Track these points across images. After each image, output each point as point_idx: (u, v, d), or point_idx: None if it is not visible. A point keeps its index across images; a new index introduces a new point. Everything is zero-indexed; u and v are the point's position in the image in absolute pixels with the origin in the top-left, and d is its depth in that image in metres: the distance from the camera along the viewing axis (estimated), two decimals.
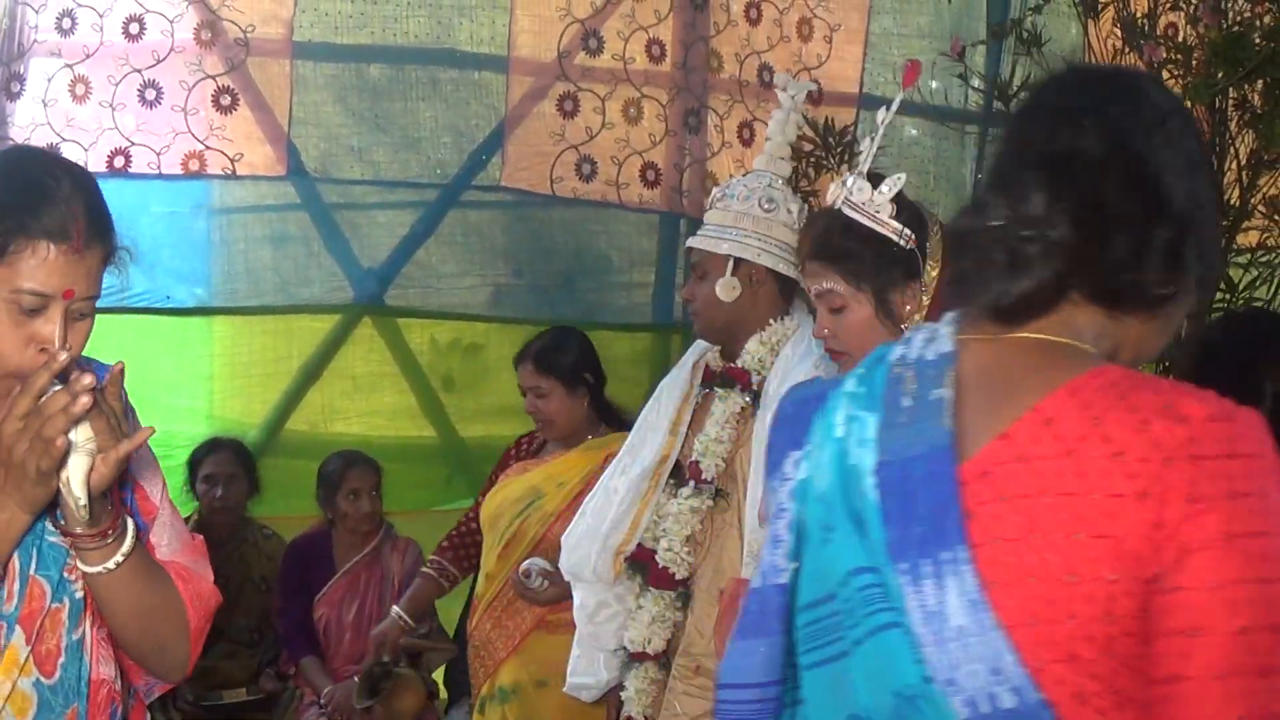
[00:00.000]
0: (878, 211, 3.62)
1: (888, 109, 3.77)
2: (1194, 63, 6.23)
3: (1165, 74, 6.31)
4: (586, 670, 4.98)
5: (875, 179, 3.65)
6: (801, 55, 7.06)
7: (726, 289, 4.54)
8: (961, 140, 7.40)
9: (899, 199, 3.65)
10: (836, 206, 3.68)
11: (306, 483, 6.31)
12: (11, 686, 2.58)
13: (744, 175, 4.75)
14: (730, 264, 4.53)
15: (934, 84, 7.00)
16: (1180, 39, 6.37)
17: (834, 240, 3.66)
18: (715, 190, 4.73)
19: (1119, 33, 6.53)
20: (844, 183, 3.68)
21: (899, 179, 3.65)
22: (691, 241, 4.62)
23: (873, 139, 3.74)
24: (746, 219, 4.56)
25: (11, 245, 2.55)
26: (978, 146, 7.46)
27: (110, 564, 2.60)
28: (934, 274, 3.65)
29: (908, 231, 3.63)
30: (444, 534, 5.98)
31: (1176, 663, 1.77)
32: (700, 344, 4.85)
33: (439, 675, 6.47)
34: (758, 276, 4.56)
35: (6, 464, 2.45)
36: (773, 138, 4.76)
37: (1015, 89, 6.52)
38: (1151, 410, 1.81)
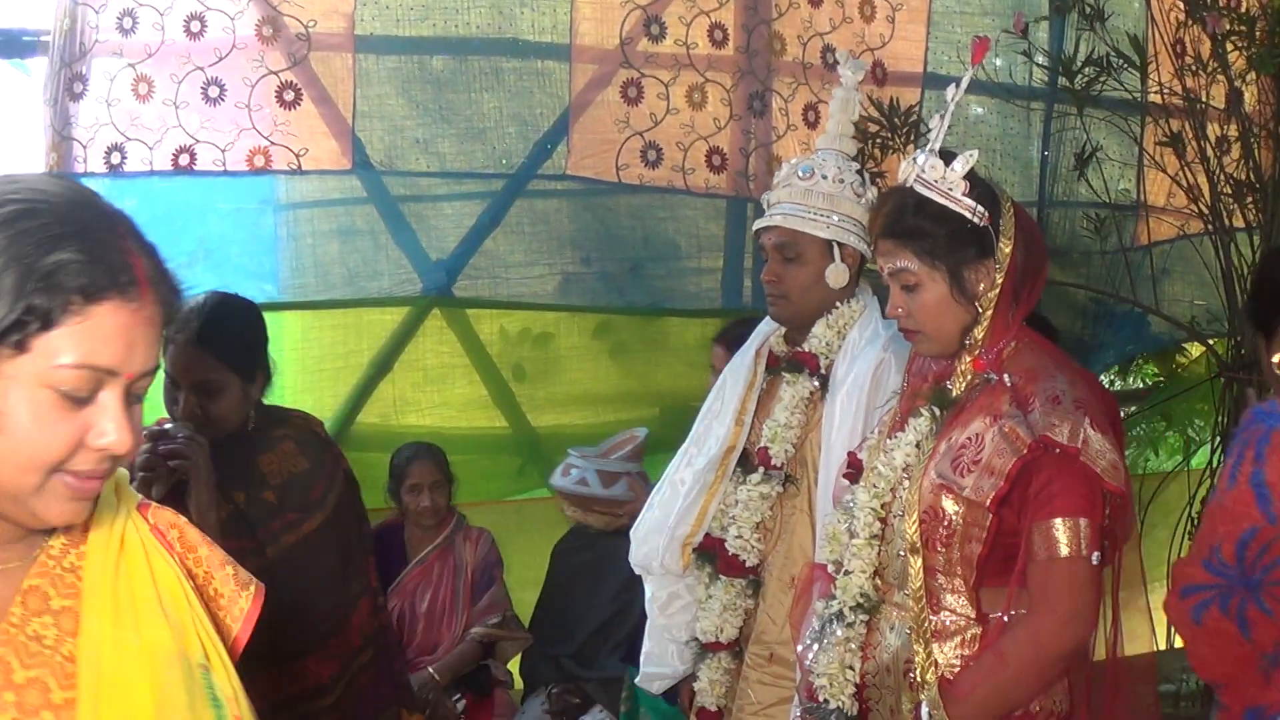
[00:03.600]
0: (951, 189, 3.60)
1: (957, 86, 3.75)
2: (1258, 33, 6.20)
3: (1229, 45, 6.27)
4: (659, 662, 4.98)
5: (947, 156, 3.63)
6: (865, 36, 7.03)
7: (838, 275, 4.51)
8: (1027, 117, 7.36)
9: (971, 176, 3.63)
10: (909, 184, 3.66)
11: (380, 475, 6.31)
12: None
13: (815, 154, 4.70)
14: (835, 249, 4.50)
15: (998, 61, 6.96)
16: (1244, 9, 6.33)
17: (907, 218, 3.64)
18: (787, 167, 4.68)
19: (1182, 4, 6.49)
20: (915, 160, 3.66)
21: (971, 155, 3.62)
22: (783, 222, 4.54)
23: (943, 117, 3.73)
24: (842, 202, 4.52)
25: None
26: (1043, 123, 7.42)
27: None
28: (1008, 251, 3.63)
29: (981, 209, 3.61)
30: (517, 523, 5.97)
31: None
32: (763, 330, 4.82)
33: (514, 665, 6.46)
34: (851, 262, 4.54)
35: None
36: (835, 117, 4.74)
37: (1079, 64, 6.48)
38: None
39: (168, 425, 4.10)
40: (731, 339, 5.42)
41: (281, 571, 4.00)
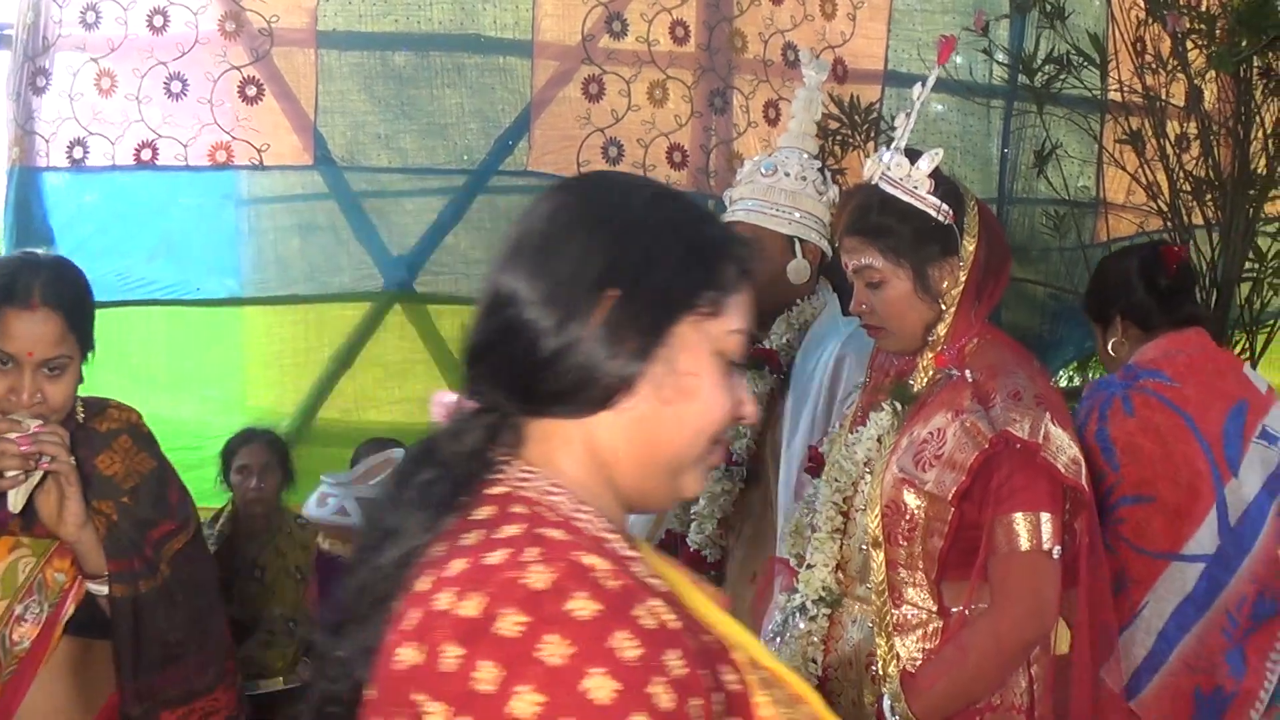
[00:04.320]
0: (916, 187, 3.62)
1: (923, 85, 3.77)
2: (1218, 32, 6.23)
3: (1189, 43, 6.31)
4: None
5: (912, 155, 3.65)
6: (826, 33, 7.04)
7: (798, 270, 4.54)
8: (987, 115, 7.38)
9: (936, 174, 3.65)
10: (874, 182, 3.68)
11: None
12: None
13: (778, 152, 4.72)
14: (797, 245, 4.52)
15: (959, 59, 6.97)
16: (1204, 8, 6.36)
17: (872, 216, 3.67)
18: (750, 164, 4.70)
19: (1141, 3, 6.52)
20: (881, 158, 3.68)
21: (936, 154, 3.65)
22: (745, 217, 4.56)
23: (908, 115, 3.75)
24: (803, 199, 4.55)
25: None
26: (1003, 120, 7.45)
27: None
28: (971, 249, 3.65)
29: (945, 207, 3.63)
30: None
31: None
32: None
33: None
34: (813, 258, 4.56)
35: None
36: (798, 115, 4.76)
37: (1039, 62, 6.51)
38: None
39: (15, 415, 3.43)
40: None
41: (178, 596, 3.67)
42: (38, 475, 3.41)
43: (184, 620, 3.67)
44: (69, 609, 3.56)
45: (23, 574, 3.53)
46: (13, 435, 3.35)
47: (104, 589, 3.53)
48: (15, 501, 3.41)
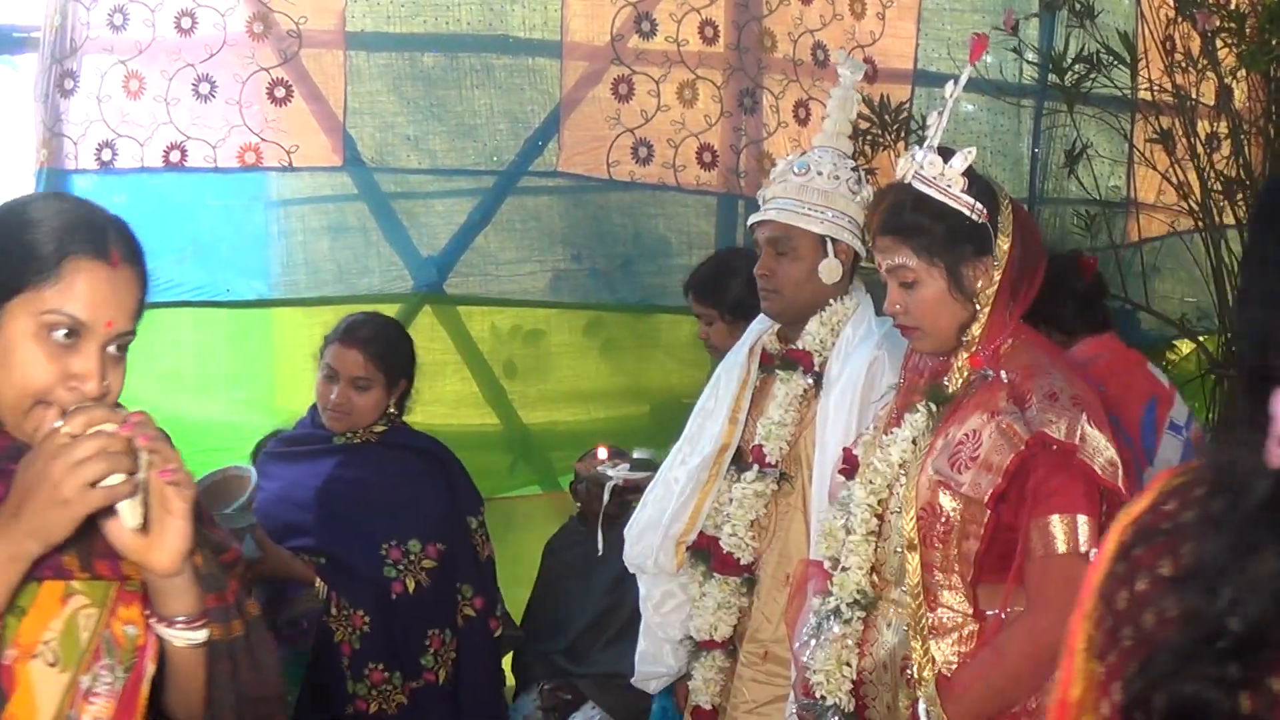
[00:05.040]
0: (949, 185, 3.60)
1: (955, 83, 3.74)
2: (1247, 30, 6.21)
3: (1219, 42, 6.28)
4: (654, 660, 4.98)
5: (945, 153, 3.63)
6: (855, 33, 7.03)
7: (831, 270, 4.53)
8: (1017, 114, 7.37)
9: (970, 173, 3.64)
10: (907, 180, 3.66)
11: None
12: None
13: (812, 151, 4.71)
14: (829, 245, 4.51)
15: (989, 58, 6.96)
16: (1233, 6, 6.34)
17: (905, 214, 3.65)
18: (783, 163, 4.69)
19: (1171, 1, 6.50)
20: (914, 156, 3.66)
21: (969, 153, 3.63)
22: (778, 216, 4.57)
23: (940, 114, 3.73)
24: (837, 198, 4.53)
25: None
26: (1033, 120, 7.43)
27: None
28: (1005, 248, 3.63)
29: (979, 206, 3.61)
30: (508, 520, 5.97)
31: None
32: (756, 327, 4.84)
33: (506, 662, 6.46)
34: (845, 258, 4.55)
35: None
36: (833, 115, 4.75)
37: (1069, 62, 6.49)
38: None
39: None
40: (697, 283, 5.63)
41: (257, 638, 2.78)
42: (153, 481, 2.41)
43: (270, 670, 2.81)
44: (149, 669, 2.52)
45: (86, 632, 2.47)
46: (110, 426, 2.34)
47: (195, 635, 2.53)
48: (133, 515, 2.38)
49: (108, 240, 2.51)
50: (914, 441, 3.74)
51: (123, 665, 2.48)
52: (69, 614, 2.45)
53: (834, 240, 4.52)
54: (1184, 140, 6.55)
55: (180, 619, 2.50)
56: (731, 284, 5.44)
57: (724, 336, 5.49)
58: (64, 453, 2.27)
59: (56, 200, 2.68)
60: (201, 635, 2.53)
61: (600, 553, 5.98)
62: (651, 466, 5.52)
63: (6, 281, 2.44)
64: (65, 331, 2.43)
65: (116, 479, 2.30)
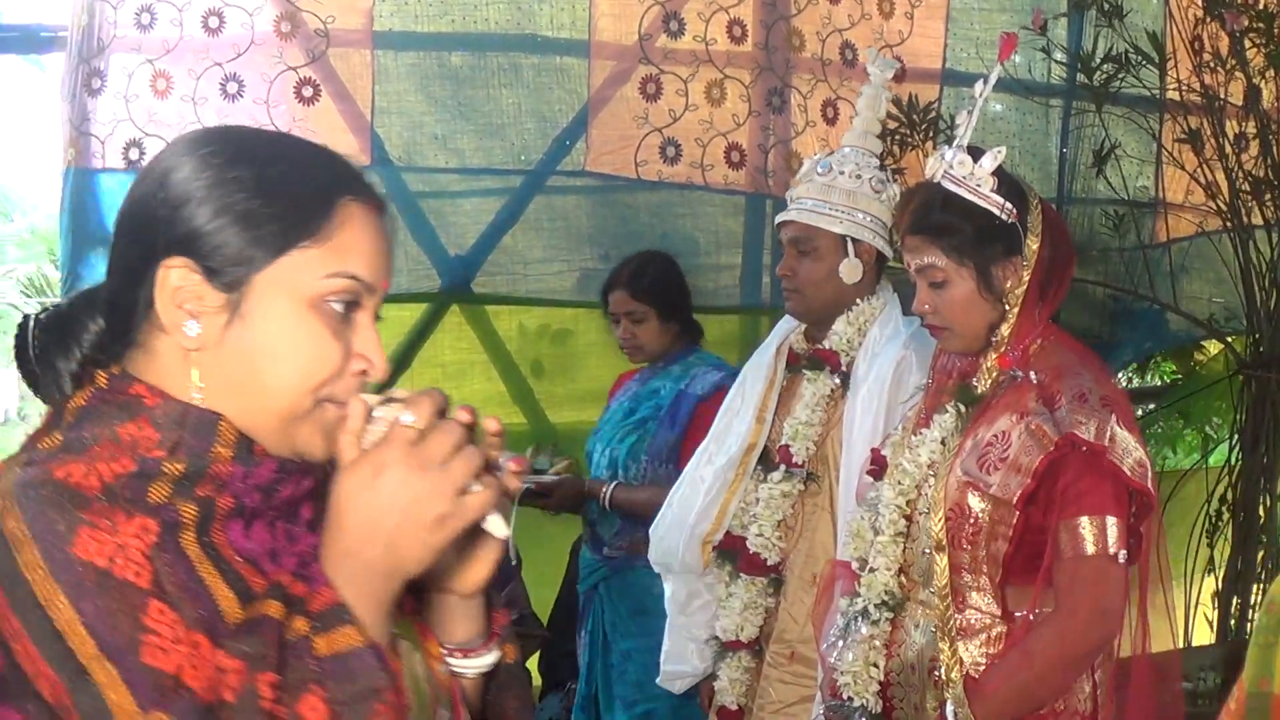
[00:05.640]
0: (979, 185, 3.60)
1: (984, 82, 3.74)
2: (1276, 30, 6.20)
3: (1247, 42, 6.26)
4: (679, 660, 4.97)
5: (975, 153, 3.63)
6: (883, 32, 7.01)
7: (851, 270, 4.53)
8: (1045, 114, 7.33)
9: (999, 172, 3.63)
10: (936, 180, 3.66)
11: None
12: None
13: (839, 151, 4.71)
14: (849, 245, 4.52)
15: (1017, 58, 6.93)
16: (1262, 6, 6.32)
17: (935, 214, 3.65)
18: (809, 162, 4.70)
19: (1200, 1, 6.48)
20: (943, 156, 3.66)
21: (999, 152, 3.63)
22: (799, 217, 4.58)
23: (969, 113, 3.72)
24: (860, 198, 4.54)
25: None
26: (1061, 120, 7.40)
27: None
28: (1035, 248, 3.62)
29: (1009, 205, 3.61)
30: (535, 520, 5.96)
31: None
32: (783, 327, 4.84)
33: (532, 663, 6.46)
34: (867, 258, 4.55)
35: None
36: (862, 113, 4.75)
37: (1098, 61, 6.47)
38: None
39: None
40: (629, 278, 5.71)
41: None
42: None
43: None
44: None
45: (422, 677, 1.96)
46: (462, 415, 1.88)
47: (486, 659, 2.07)
48: (503, 523, 1.91)
49: (364, 175, 2.04)
50: (943, 442, 3.74)
51: (449, 711, 1.99)
52: (405, 661, 1.92)
53: (855, 240, 4.52)
54: (1212, 140, 6.53)
55: (474, 646, 2.05)
56: (666, 282, 5.50)
57: (654, 335, 5.54)
58: (421, 455, 1.78)
59: (278, 134, 2.16)
60: (491, 658, 2.06)
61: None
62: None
63: (264, 240, 1.88)
64: (348, 300, 1.92)
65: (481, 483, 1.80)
